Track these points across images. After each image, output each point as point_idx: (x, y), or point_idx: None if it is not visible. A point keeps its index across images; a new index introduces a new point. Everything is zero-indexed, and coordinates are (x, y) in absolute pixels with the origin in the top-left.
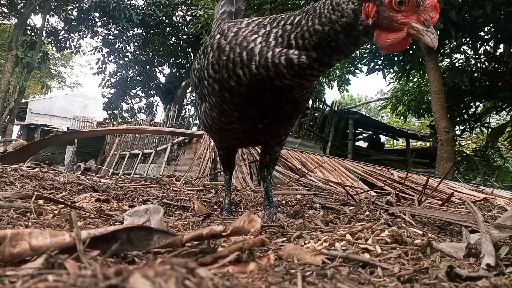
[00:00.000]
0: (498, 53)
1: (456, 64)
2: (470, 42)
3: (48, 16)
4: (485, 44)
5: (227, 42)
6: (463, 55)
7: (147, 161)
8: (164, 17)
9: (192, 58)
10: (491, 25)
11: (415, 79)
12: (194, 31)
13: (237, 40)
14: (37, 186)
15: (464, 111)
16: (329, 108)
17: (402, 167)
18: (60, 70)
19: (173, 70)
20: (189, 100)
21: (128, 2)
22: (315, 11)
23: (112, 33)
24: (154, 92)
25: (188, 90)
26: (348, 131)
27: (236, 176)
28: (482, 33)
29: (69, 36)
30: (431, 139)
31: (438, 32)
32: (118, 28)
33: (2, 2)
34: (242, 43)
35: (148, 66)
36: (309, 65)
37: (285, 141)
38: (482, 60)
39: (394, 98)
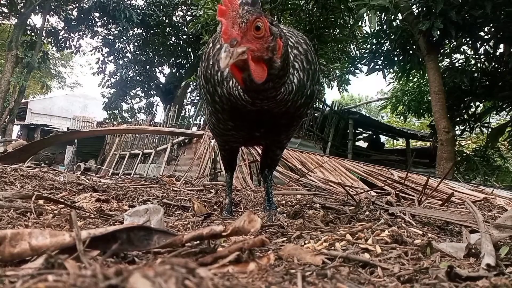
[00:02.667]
0: (498, 53)
1: (456, 64)
2: (470, 42)
3: (48, 16)
4: (485, 44)
5: (213, 54)
6: (463, 55)
7: (147, 161)
8: (164, 17)
9: (192, 58)
10: (491, 25)
11: (415, 79)
12: (194, 31)
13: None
14: (37, 186)
15: (464, 111)
16: (329, 108)
17: (402, 167)
18: (60, 70)
19: (173, 70)
20: (189, 100)
21: (128, 2)
22: None
23: (112, 33)
24: (154, 92)
25: (188, 90)
26: (348, 131)
27: (236, 176)
28: (482, 33)
29: (69, 36)
30: (431, 139)
31: (438, 32)
32: (118, 28)
33: (2, 2)
34: None
35: (148, 66)
36: (253, 102)
37: (287, 144)
38: (482, 60)
39: (394, 98)
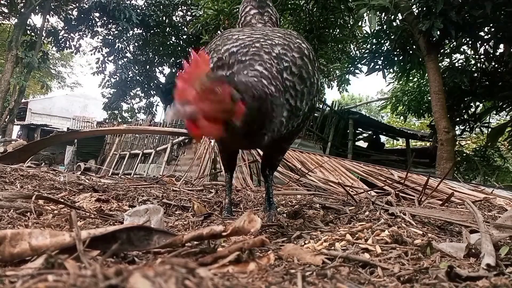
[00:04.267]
0: (498, 53)
1: (456, 64)
2: (470, 42)
3: (48, 16)
4: (485, 44)
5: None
6: (463, 55)
7: (147, 161)
8: (164, 17)
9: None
10: (491, 25)
11: (415, 79)
12: (194, 31)
13: None
14: (37, 186)
15: (464, 111)
16: (329, 108)
17: (402, 167)
18: (60, 70)
19: (173, 70)
20: None
21: (128, 2)
22: None
23: (112, 33)
24: (154, 92)
25: None
26: (348, 131)
27: (236, 176)
28: (482, 33)
29: (69, 36)
30: (431, 139)
31: (438, 32)
32: (118, 28)
33: (2, 2)
34: None
35: (148, 66)
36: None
37: (288, 148)
38: (482, 60)
39: (394, 98)
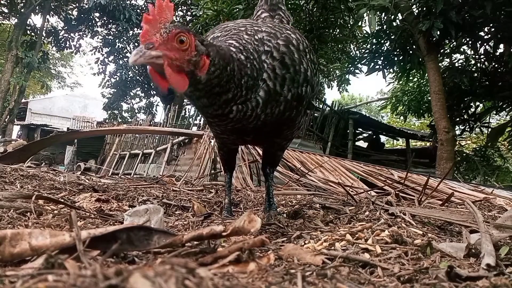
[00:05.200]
0: (498, 53)
1: (456, 64)
2: (470, 42)
3: (48, 16)
4: (485, 44)
5: None
6: (463, 55)
7: (147, 161)
8: None
9: None
10: (491, 25)
11: (415, 79)
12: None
13: None
14: (37, 186)
15: (464, 111)
16: (329, 108)
17: (402, 167)
18: (60, 70)
19: None
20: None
21: (128, 2)
22: None
23: (112, 33)
24: (154, 92)
25: None
26: (348, 131)
27: (236, 176)
28: (482, 33)
29: (69, 36)
30: (431, 139)
31: (438, 32)
32: (118, 28)
33: (2, 2)
34: None
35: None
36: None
37: (287, 144)
38: (482, 60)
39: (394, 98)
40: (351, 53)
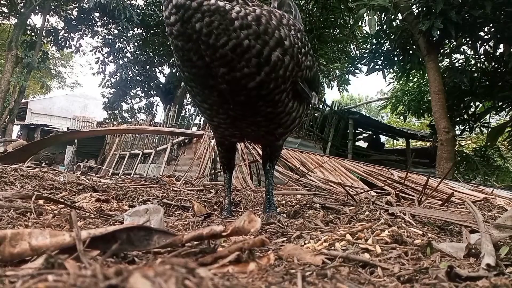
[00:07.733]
0: (498, 53)
1: (456, 64)
2: (470, 42)
3: (48, 16)
4: (485, 44)
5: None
6: (463, 55)
7: (147, 161)
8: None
9: None
10: (491, 25)
11: (415, 79)
12: None
13: None
14: (37, 186)
15: (464, 111)
16: (329, 108)
17: (402, 167)
18: (60, 70)
19: (173, 70)
20: (189, 100)
21: (128, 2)
22: None
23: (112, 33)
24: (154, 92)
25: None
26: (348, 131)
27: (236, 176)
28: (482, 33)
29: (69, 36)
30: (431, 139)
31: (438, 32)
32: (118, 28)
33: (2, 2)
34: None
35: (148, 66)
36: (181, 24)
37: (285, 134)
38: (482, 60)
39: (394, 98)
40: (351, 53)
